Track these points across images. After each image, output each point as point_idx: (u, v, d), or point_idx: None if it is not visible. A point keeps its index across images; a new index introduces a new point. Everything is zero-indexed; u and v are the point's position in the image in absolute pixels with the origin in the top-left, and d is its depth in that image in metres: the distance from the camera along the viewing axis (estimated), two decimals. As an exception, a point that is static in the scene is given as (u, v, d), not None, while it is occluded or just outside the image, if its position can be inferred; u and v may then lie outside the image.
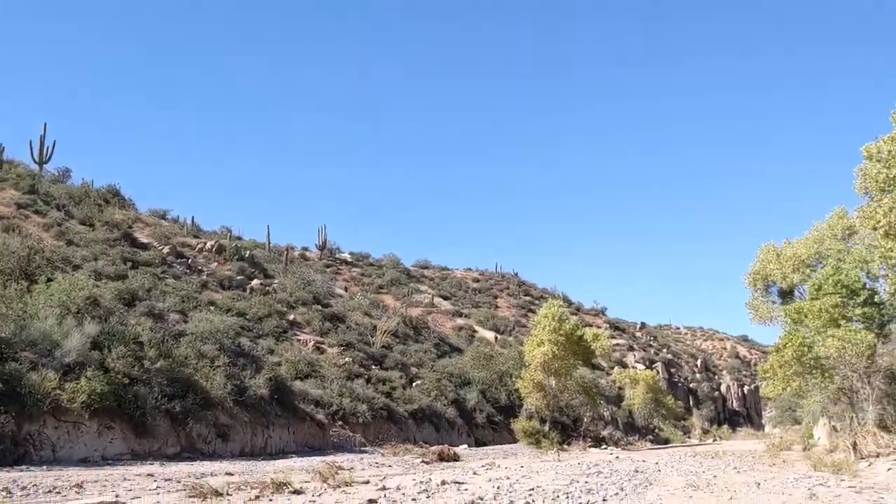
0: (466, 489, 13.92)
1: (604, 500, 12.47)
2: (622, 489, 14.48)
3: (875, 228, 19.45)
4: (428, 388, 42.09)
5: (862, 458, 23.96)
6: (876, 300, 26.36)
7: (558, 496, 12.64)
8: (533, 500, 11.88)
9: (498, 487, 14.15)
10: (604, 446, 42.15)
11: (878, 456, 23.57)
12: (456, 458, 27.41)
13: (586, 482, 15.60)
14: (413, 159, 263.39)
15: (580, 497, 12.66)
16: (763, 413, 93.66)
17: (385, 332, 48.58)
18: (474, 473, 18.57)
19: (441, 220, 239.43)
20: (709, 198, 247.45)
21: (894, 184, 18.86)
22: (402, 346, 49.35)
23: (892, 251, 18.61)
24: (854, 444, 24.67)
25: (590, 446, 40.26)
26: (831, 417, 33.66)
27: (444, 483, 14.87)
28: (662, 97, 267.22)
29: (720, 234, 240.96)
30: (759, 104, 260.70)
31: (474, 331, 68.70)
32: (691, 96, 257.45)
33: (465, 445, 38.03)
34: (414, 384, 42.59)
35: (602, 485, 15.17)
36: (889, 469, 20.96)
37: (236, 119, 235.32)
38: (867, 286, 26.59)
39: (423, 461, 25.52)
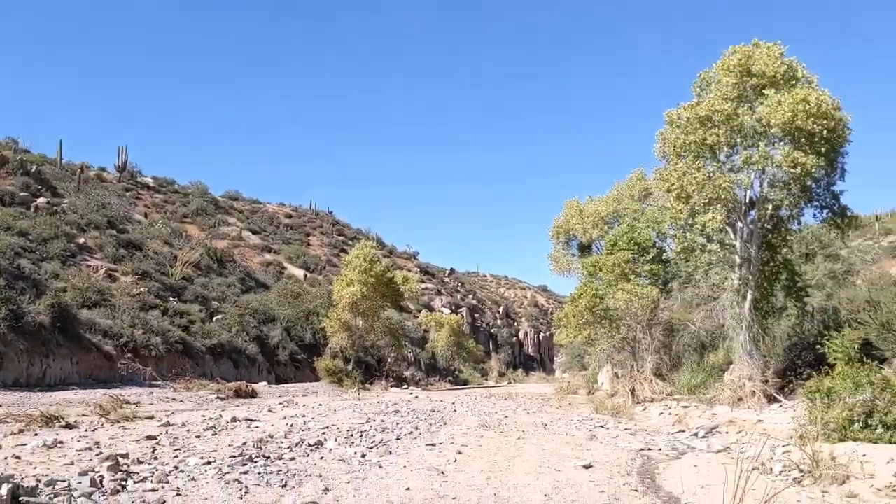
0: (258, 427, 13.39)
1: (398, 438, 12.42)
2: (416, 428, 14.56)
3: (669, 191, 20.67)
4: (229, 324, 40.45)
5: (638, 403, 25.95)
6: (663, 258, 28.41)
7: (352, 435, 12.44)
8: (326, 439, 11.58)
9: (291, 425, 13.75)
10: (405, 386, 42.83)
11: (652, 401, 25.62)
12: (254, 394, 26.68)
13: (382, 421, 15.56)
14: (229, 87, 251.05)
15: (374, 435, 12.53)
16: (555, 359, 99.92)
17: (186, 263, 45.95)
18: (269, 411, 18.05)
19: (254, 151, 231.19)
20: (527, 152, 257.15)
21: (690, 149, 20.08)
22: (204, 278, 46.93)
23: (681, 213, 19.91)
24: (632, 390, 26.65)
25: (391, 386, 40.73)
26: (615, 365, 36.26)
27: (234, 420, 14.24)
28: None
29: (532, 189, 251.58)
30: (579, 63, 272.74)
31: (283, 268, 66.91)
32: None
33: (265, 383, 37.10)
34: (214, 319, 40.85)
35: (398, 424, 15.18)
36: (660, 413, 22.82)
37: (30, 19, 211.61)
38: (657, 245, 28.57)
39: (218, 397, 24.56)
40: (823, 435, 11.69)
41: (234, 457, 9.46)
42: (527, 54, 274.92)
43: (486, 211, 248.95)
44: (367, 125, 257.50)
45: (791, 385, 22.33)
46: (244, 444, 10.50)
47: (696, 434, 17.12)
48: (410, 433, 13.48)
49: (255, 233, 76.17)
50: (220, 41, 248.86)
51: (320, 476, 8.51)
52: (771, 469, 10.78)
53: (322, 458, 9.52)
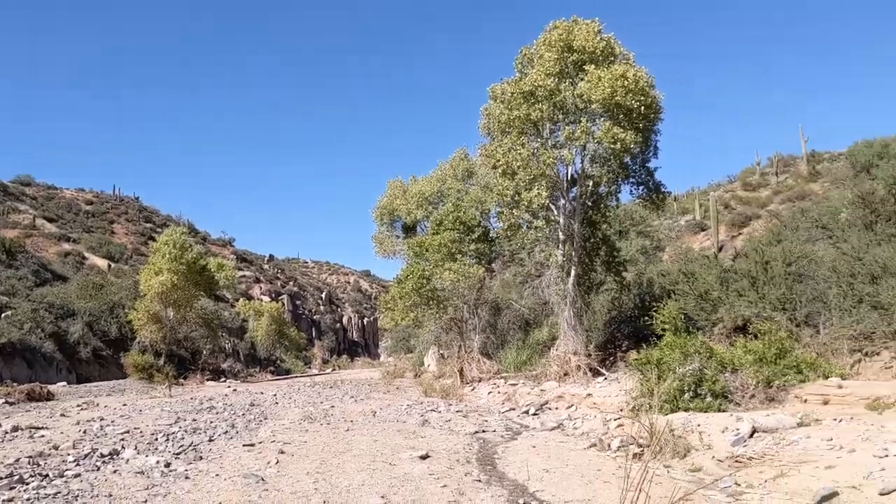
0: (43, 436, 11.44)
1: (210, 439, 11.00)
2: (233, 426, 13.14)
3: (494, 167, 20.38)
4: (20, 320, 36.24)
5: (467, 383, 25.73)
6: (489, 237, 28.36)
7: (157, 439, 10.86)
8: (124, 447, 9.96)
9: (84, 432, 11.91)
10: (223, 379, 40.58)
11: (480, 380, 25.47)
12: (50, 397, 23.83)
13: (194, 420, 13.98)
14: (18, 65, 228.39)
15: (183, 438, 11.02)
16: (380, 343, 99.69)
17: (-34, 254, 40.86)
18: (62, 415, 15.83)
19: (49, 133, 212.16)
20: (344, 134, 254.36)
21: (514, 125, 19.85)
22: (-11, 271, 41.98)
23: (507, 189, 19.64)
24: (461, 371, 26.40)
25: (208, 380, 38.34)
26: (441, 346, 36.11)
27: (15, 430, 12.14)
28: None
29: (353, 173, 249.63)
30: (404, 41, 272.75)
31: (84, 258, 61.53)
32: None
33: (65, 383, 33.54)
34: (3, 315, 36.46)
35: (212, 422, 13.67)
36: (489, 392, 22.63)
37: None
38: (482, 224, 28.46)
39: (6, 402, 21.58)
40: (656, 406, 11.61)
41: None
42: (351, 31, 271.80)
43: (307, 196, 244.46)
44: (174, 106, 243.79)
45: (612, 358, 22.91)
46: (17, 460, 8.68)
47: (526, 412, 16.91)
48: (226, 433, 12.05)
49: (51, 221, 69.68)
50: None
51: (110, 496, 7.01)
52: (609, 445, 10.48)
53: (116, 471, 7.92)
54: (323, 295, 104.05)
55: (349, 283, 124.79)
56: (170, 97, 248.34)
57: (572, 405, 16.23)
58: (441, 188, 33.94)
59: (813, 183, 45.52)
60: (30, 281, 45.24)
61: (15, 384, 28.00)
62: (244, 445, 10.29)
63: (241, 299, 69.51)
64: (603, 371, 20.58)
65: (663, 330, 14.62)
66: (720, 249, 37.24)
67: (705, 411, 11.01)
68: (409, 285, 26.26)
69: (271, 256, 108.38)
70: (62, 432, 11.94)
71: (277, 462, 8.81)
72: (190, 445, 10.22)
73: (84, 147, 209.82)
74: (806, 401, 10.40)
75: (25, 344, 35.16)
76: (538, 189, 19.17)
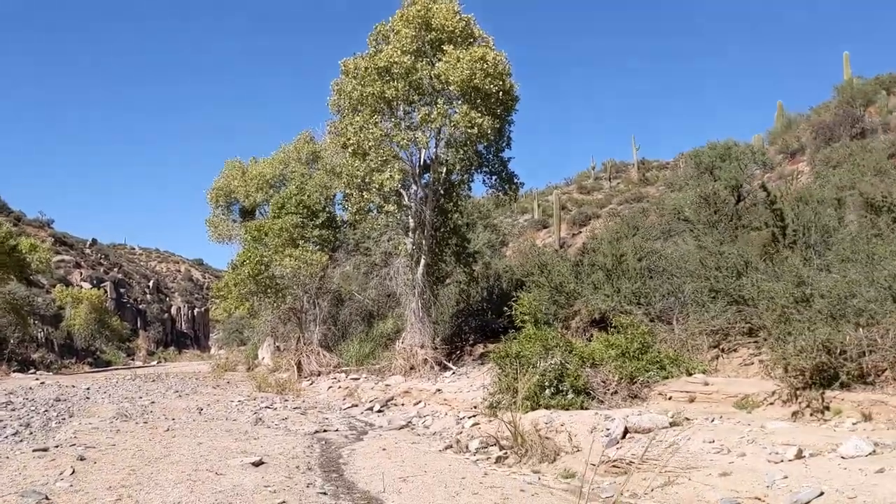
0: None
1: (-6, 445, 8.98)
2: (27, 426, 11.05)
3: (345, 146, 19.01)
4: None
5: (305, 377, 24.19)
6: (334, 224, 26.90)
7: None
8: None
9: None
10: (32, 371, 36.59)
11: (319, 374, 24.01)
12: None
13: (-21, 421, 11.68)
14: None
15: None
16: (211, 335, 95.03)
17: None
18: None
19: None
20: (179, 117, 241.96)
21: (367, 103, 18.56)
22: None
23: (357, 170, 18.30)
24: (298, 364, 24.82)
25: (15, 371, 34.37)
26: (277, 338, 34.18)
27: None
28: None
29: (187, 156, 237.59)
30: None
31: None
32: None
33: None
34: None
35: (0, 420, 11.46)
36: (329, 387, 21.27)
37: None
38: (327, 209, 26.93)
39: None
40: (520, 403, 10.80)
41: None
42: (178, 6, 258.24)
43: (135, 176, 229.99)
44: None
45: (459, 352, 22.17)
46: None
47: (371, 408, 15.76)
48: (16, 433, 9.98)
49: None
50: None
51: None
52: (467, 446, 9.52)
53: None
54: (150, 283, 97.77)
55: (180, 271, 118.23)
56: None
57: (420, 401, 15.23)
58: (283, 171, 32.04)
59: (649, 186, 47.49)
60: None
61: None
62: (35, 451, 8.40)
63: (59, 285, 63.73)
64: (450, 365, 19.77)
65: (523, 322, 13.89)
66: (562, 246, 37.81)
67: (567, 408, 10.29)
68: (245, 271, 24.30)
69: (94, 241, 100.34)
70: None
71: (73, 472, 7.09)
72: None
73: None
74: (671, 398, 9.93)
75: None
76: (391, 171, 18.02)
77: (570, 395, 10.59)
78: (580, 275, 16.04)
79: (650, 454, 6.75)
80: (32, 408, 14.55)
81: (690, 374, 10.64)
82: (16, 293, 40.89)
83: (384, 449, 9.58)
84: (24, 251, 39.79)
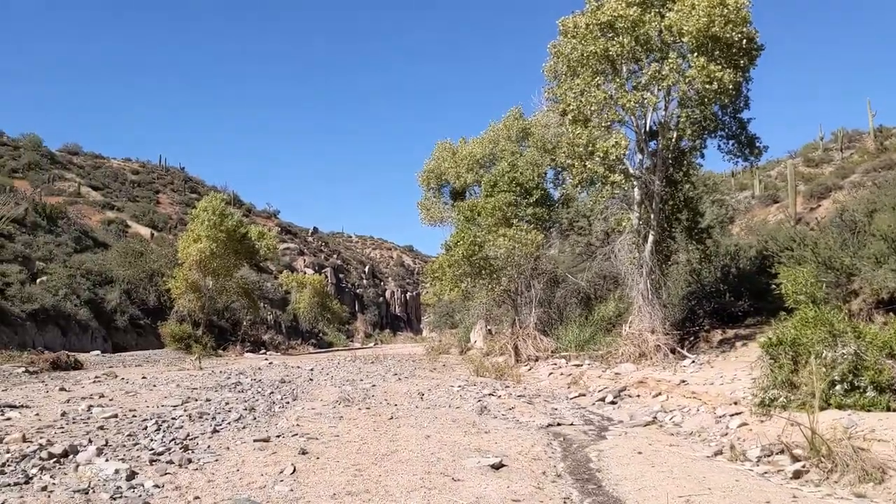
0: (9, 419, 9.06)
1: (215, 430, 8.52)
2: (252, 409, 10.67)
3: (564, 113, 17.53)
4: (56, 286, 34.60)
5: (521, 362, 23.07)
6: (548, 202, 25.52)
7: (146, 427, 8.40)
8: (90, 441, 7.44)
9: (64, 414, 9.51)
10: (262, 351, 38.75)
11: (536, 360, 22.76)
12: (77, 366, 22.18)
13: (207, 401, 11.55)
14: (66, 30, 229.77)
15: (181, 427, 8.58)
16: (423, 318, 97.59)
17: (3, 218, 39.27)
18: (62, 389, 13.59)
19: (96, 102, 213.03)
20: (390, 104, 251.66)
21: (588, 63, 16.92)
22: (28, 236, 40.39)
23: (580, 137, 16.72)
24: (515, 348, 23.73)
25: (248, 351, 36.52)
26: (489, 321, 33.46)
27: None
28: None
29: (398, 143, 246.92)
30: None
31: (127, 226, 60.35)
32: None
33: (98, 352, 31.92)
34: (38, 281, 34.85)
35: (227, 403, 11.23)
36: (550, 373, 19.91)
37: None
38: (540, 186, 25.60)
39: (27, 371, 19.68)
40: (796, 401, 8.80)
41: None
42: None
43: (351, 166, 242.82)
44: (219, 79, 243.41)
45: (692, 338, 19.98)
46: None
47: (602, 399, 14.17)
48: (238, 419, 9.55)
49: (96, 189, 68.84)
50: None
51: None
52: (744, 454, 7.72)
53: (45, 488, 5.46)
54: (366, 269, 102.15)
55: (392, 257, 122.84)
56: (219, 66, 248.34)
57: (660, 393, 13.42)
58: (493, 150, 31.10)
59: (889, 154, 41.52)
60: (69, 247, 43.93)
61: (46, 352, 26.28)
62: (255, 441, 7.76)
63: (285, 271, 68.00)
64: (685, 353, 17.70)
65: (796, 302, 11.65)
66: (798, 222, 33.85)
67: (867, 409, 8.17)
68: (458, 252, 23.53)
69: (315, 229, 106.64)
70: (38, 414, 9.58)
71: (294, 471, 6.25)
72: (183, 440, 7.71)
73: (131, 117, 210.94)
74: None
75: (60, 311, 33.62)
76: (617, 137, 16.26)
77: (871, 394, 8.42)
78: (851, 247, 13.41)
79: None
80: (259, 389, 14.50)
81: None
82: (247, 278, 43.49)
83: (639, 452, 8.02)
84: (253, 239, 42.09)
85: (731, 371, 13.50)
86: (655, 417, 11.17)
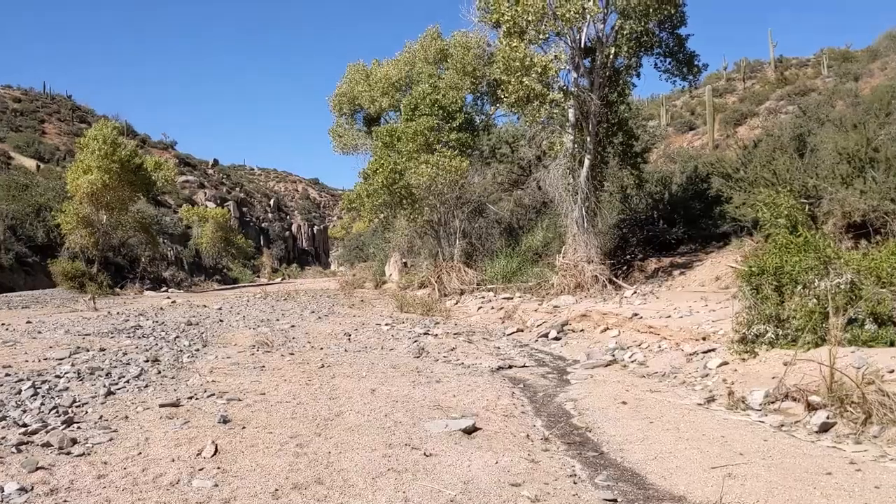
0: None
1: (110, 391, 6.85)
2: (156, 360, 8.99)
3: (498, 24, 15.97)
4: (-73, 225, 31.19)
5: (445, 295, 21.89)
6: (473, 126, 24.03)
7: (20, 392, 6.66)
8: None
9: None
10: (164, 289, 36.33)
11: (461, 293, 21.62)
12: None
13: (101, 351, 9.75)
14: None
15: (66, 390, 6.87)
16: (331, 252, 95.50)
17: None
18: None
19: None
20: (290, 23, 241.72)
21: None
22: None
23: (517, 50, 15.22)
24: (439, 280, 22.51)
25: (147, 289, 34.10)
26: (404, 254, 32.13)
27: None
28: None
29: (303, 70, 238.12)
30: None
31: (10, 157, 55.76)
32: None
33: (-21, 294, 29.05)
34: None
35: (124, 355, 9.48)
36: (479, 307, 18.78)
37: None
38: (464, 110, 24.06)
39: None
40: (784, 337, 7.85)
41: None
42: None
43: (251, 91, 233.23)
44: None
45: (626, 268, 19.24)
46: None
47: (546, 335, 13.11)
48: (139, 375, 7.87)
49: (-29, 118, 63.22)
50: None
51: None
52: (743, 400, 6.68)
53: None
54: (271, 202, 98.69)
55: (297, 190, 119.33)
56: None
57: (607, 328, 12.44)
58: (410, 73, 29.19)
59: (814, 79, 41.87)
60: (-61, 179, 39.89)
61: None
62: (162, 406, 6.17)
63: (185, 205, 64.49)
64: (622, 283, 16.88)
65: (775, 226, 10.70)
66: (715, 148, 33.65)
67: (868, 345, 7.29)
68: (377, 181, 21.93)
69: (216, 161, 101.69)
70: None
71: (216, 452, 4.75)
72: (68, 408, 6.05)
73: (11, 41, 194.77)
74: None
75: (-65, 251, 30.33)
76: (556, 51, 14.87)
77: (870, 327, 7.53)
78: (808, 169, 12.58)
79: None
80: (162, 333, 12.74)
81: None
82: (144, 212, 40.66)
83: (623, 402, 6.88)
84: (149, 169, 39.13)
85: (683, 303, 12.64)
86: (614, 356, 10.14)
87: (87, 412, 5.98)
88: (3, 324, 14.87)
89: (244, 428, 5.49)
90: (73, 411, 5.97)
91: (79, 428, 5.37)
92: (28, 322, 15.18)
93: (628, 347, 10.55)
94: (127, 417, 5.80)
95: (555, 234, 21.01)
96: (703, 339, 9.57)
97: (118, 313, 18.27)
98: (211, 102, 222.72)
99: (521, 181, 27.03)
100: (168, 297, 27.94)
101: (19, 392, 6.70)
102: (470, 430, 5.52)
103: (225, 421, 5.66)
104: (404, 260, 32.54)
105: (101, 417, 5.76)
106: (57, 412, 5.91)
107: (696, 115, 46.10)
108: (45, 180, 47.91)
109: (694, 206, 19.55)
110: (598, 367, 9.56)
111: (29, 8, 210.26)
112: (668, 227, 19.37)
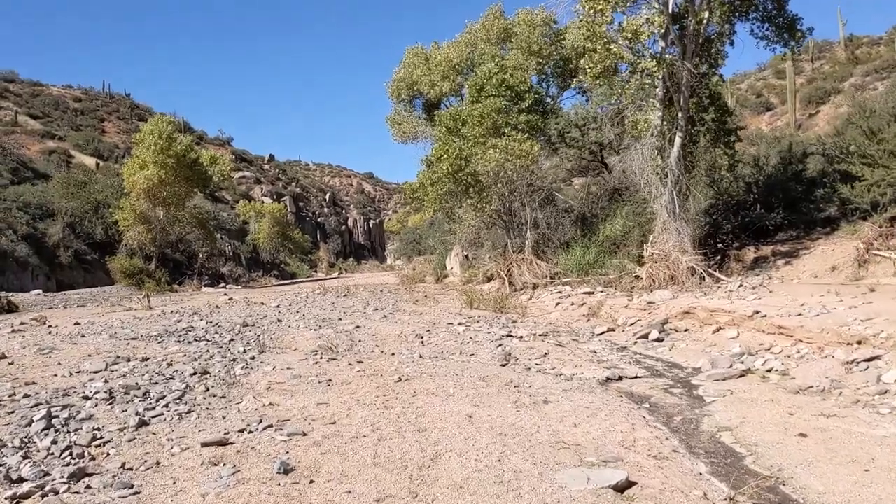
0: None
1: (144, 421, 5.47)
2: (204, 374, 7.65)
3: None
4: (-14, 221, 30.93)
5: (516, 290, 20.32)
6: (543, 108, 22.31)
7: (31, 423, 5.32)
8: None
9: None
10: (222, 285, 35.64)
11: (534, 287, 20.02)
12: (11, 308, 19.22)
13: (143, 363, 8.45)
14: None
15: (88, 417, 5.52)
16: (386, 246, 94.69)
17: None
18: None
19: (35, 24, 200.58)
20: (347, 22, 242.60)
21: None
22: (-44, 169, 36.37)
23: (603, 14, 13.47)
24: (509, 273, 20.92)
25: (206, 285, 33.42)
26: (464, 247, 30.62)
27: None
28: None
29: (357, 64, 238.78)
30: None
31: (70, 156, 56.12)
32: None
33: (40, 291, 28.63)
34: (-33, 216, 31.12)
35: (168, 367, 8.17)
36: (557, 303, 17.13)
37: None
38: (534, 90, 22.36)
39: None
40: None
41: None
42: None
43: (307, 89, 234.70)
44: (163, 4, 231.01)
45: (718, 258, 17.34)
46: None
47: (646, 336, 11.44)
48: (181, 396, 6.52)
49: (35, 118, 64.02)
50: None
51: None
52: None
53: None
54: (327, 197, 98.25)
55: (352, 185, 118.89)
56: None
57: (720, 327, 10.70)
58: (472, 55, 27.58)
59: (860, 65, 38.82)
60: (5, 179, 39.95)
61: (-23, 292, 22.88)
62: (204, 446, 4.78)
63: (241, 200, 64.20)
64: (720, 276, 15.03)
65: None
66: (798, 128, 31.26)
67: None
68: (442, 168, 20.39)
69: (272, 156, 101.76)
70: None
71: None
72: (85, 447, 4.69)
73: (73, 42, 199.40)
74: None
75: (-6, 248, 30.09)
76: (650, 14, 13.12)
77: None
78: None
79: None
80: (216, 336, 11.49)
81: None
82: (201, 208, 40.17)
83: (802, 434, 5.23)
84: (205, 164, 38.50)
85: (808, 297, 10.81)
86: (744, 363, 8.44)
87: (108, 454, 4.60)
88: (50, 326, 13.87)
89: (312, 482, 4.03)
90: (89, 454, 4.60)
91: (88, 487, 3.97)
92: (76, 324, 14.14)
93: (757, 352, 8.84)
94: (158, 464, 4.40)
95: (634, 223, 19.23)
96: (858, 343, 7.82)
97: (172, 312, 17.22)
98: (268, 99, 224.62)
99: (591, 167, 25.24)
100: (225, 294, 27.02)
101: (29, 423, 5.37)
102: (622, 488, 3.97)
103: (286, 470, 4.20)
104: (465, 253, 31.05)
105: (123, 466, 4.36)
106: (69, 456, 4.54)
107: (761, 97, 43.48)
108: (103, 178, 47.85)
109: (794, 188, 17.55)
110: (731, 378, 7.87)
111: (88, 8, 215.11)
112: (765, 211, 17.40)
